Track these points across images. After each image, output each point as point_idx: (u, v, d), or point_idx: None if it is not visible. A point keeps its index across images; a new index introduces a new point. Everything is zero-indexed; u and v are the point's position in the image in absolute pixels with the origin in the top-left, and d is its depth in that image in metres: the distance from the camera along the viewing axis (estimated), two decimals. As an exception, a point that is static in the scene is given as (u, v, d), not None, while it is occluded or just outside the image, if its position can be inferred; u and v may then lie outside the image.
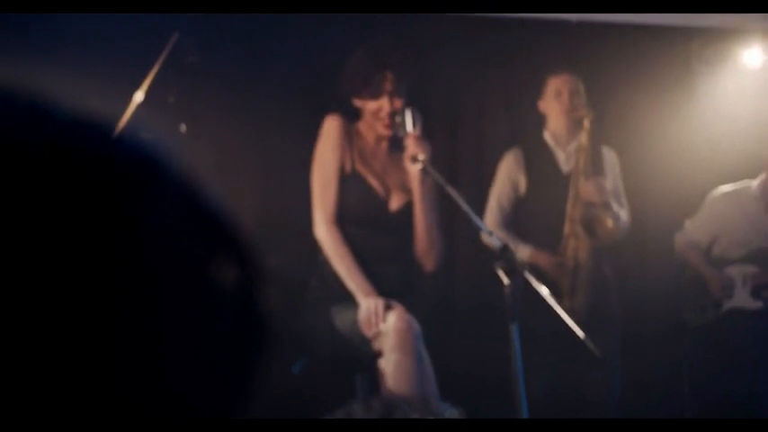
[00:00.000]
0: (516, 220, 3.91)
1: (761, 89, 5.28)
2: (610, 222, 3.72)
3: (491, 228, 3.92)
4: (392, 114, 2.95)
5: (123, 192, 0.48)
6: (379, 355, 2.73)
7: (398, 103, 2.94)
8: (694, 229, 4.47)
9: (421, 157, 2.79)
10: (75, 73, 3.63)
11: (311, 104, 3.90)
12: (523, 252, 3.67)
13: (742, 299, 4.21)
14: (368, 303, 2.75)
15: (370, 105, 2.99)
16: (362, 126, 3.07)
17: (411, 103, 2.94)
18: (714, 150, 5.08)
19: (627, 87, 5.18)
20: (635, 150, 5.10)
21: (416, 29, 4.76)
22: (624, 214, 3.96)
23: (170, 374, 0.48)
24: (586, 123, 3.83)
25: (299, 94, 4.25)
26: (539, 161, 4.01)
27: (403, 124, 2.85)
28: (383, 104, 2.95)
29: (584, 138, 3.82)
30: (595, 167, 3.86)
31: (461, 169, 4.57)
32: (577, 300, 3.69)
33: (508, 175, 4.00)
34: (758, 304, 4.18)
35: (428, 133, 2.92)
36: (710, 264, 4.35)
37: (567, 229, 3.79)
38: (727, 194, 4.45)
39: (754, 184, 4.39)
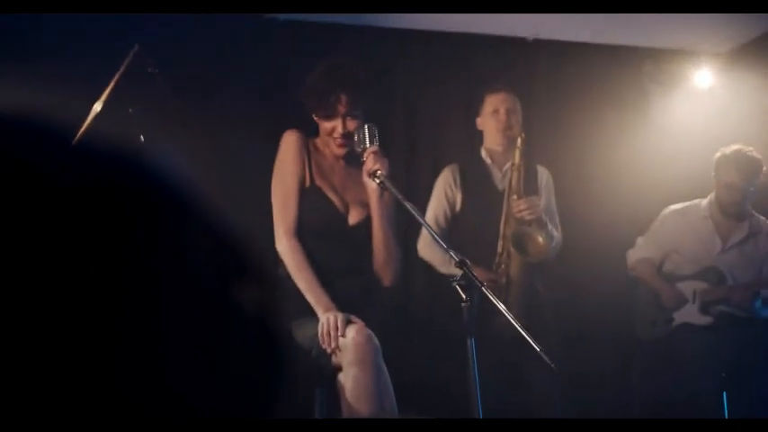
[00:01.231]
0: (452, 236, 3.93)
1: (710, 110, 5.40)
2: (541, 240, 3.76)
3: (427, 243, 3.96)
4: (345, 135, 3.00)
5: (79, 200, 0.49)
6: (338, 369, 2.74)
7: (352, 124, 2.98)
8: (646, 246, 4.55)
9: (379, 172, 2.81)
10: (33, 83, 3.60)
11: (272, 117, 3.91)
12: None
13: (691, 314, 4.29)
14: (327, 317, 2.75)
15: (324, 125, 3.03)
16: (320, 142, 3.10)
17: (369, 118, 2.97)
18: (666, 169, 5.18)
19: (581, 105, 5.27)
20: (588, 168, 5.18)
21: (378, 42, 4.81)
22: (556, 234, 4.01)
23: (159, 374, 0.49)
24: (519, 142, 3.85)
25: (261, 105, 4.27)
26: (475, 178, 4.06)
27: (361, 140, 2.87)
28: (337, 125, 2.99)
29: (517, 156, 3.85)
30: (529, 186, 3.90)
31: (418, 184, 4.61)
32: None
33: (444, 192, 4.05)
34: (707, 320, 4.26)
35: (386, 148, 2.94)
36: (662, 278, 4.42)
37: (500, 246, 3.83)
38: (677, 212, 4.53)
39: (704, 202, 4.48)
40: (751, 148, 4.28)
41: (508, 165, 3.92)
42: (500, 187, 3.98)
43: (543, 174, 4.13)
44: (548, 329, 3.88)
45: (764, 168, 4.28)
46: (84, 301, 0.48)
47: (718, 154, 4.33)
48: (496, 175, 4.05)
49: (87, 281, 0.48)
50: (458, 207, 4.03)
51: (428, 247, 3.99)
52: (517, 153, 3.84)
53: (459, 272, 2.52)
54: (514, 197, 3.80)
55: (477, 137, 4.19)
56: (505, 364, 3.61)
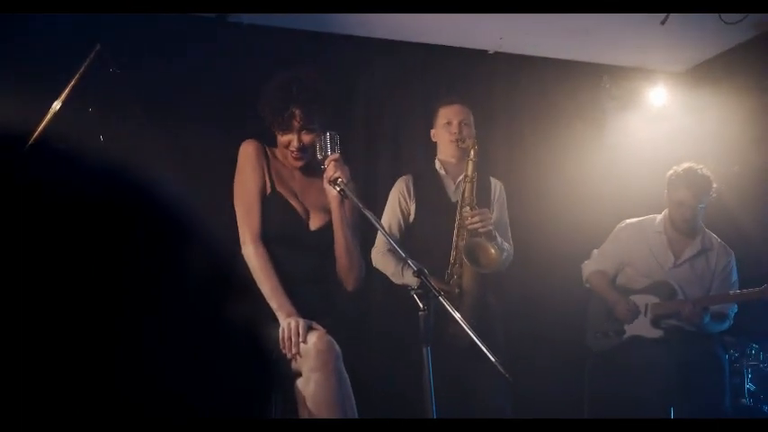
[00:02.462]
0: (405, 246, 3.94)
1: (665, 127, 5.50)
2: (492, 251, 3.78)
3: (380, 252, 3.98)
4: (301, 149, 3.02)
5: (35, 198, 0.49)
6: (297, 374, 2.74)
7: (308, 138, 3.00)
8: (601, 259, 4.61)
9: (340, 180, 2.82)
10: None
11: (234, 119, 3.90)
12: (410, 278, 3.62)
13: (643, 327, 4.36)
14: (288, 322, 2.75)
15: (281, 138, 3.05)
16: (278, 151, 3.11)
17: (329, 127, 2.97)
18: (621, 183, 5.26)
19: (538, 119, 5.34)
20: (545, 181, 5.25)
21: (340, 49, 4.82)
22: (508, 246, 4.05)
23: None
24: (472, 154, 3.87)
25: (223, 108, 4.25)
26: (428, 189, 4.08)
27: (323, 147, 2.88)
28: (292, 139, 3.02)
29: (470, 168, 3.86)
30: (482, 198, 3.92)
31: (377, 193, 4.63)
32: (460, 326, 3.74)
33: (398, 201, 4.06)
34: (658, 333, 4.32)
35: (346, 157, 2.95)
36: (616, 291, 4.48)
37: (452, 256, 3.84)
38: (632, 226, 4.59)
39: (659, 218, 4.55)
40: (702, 166, 4.35)
41: (462, 176, 3.94)
42: (453, 199, 3.99)
43: (497, 186, 4.15)
44: (498, 340, 3.89)
45: (714, 186, 4.34)
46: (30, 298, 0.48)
47: (670, 172, 4.40)
48: (450, 186, 4.07)
49: (41, 278, 0.48)
50: (411, 217, 4.04)
51: (380, 256, 4.00)
52: (470, 165, 3.85)
53: (414, 281, 2.53)
54: (467, 209, 3.81)
55: (433, 148, 4.21)
56: (460, 372, 3.63)
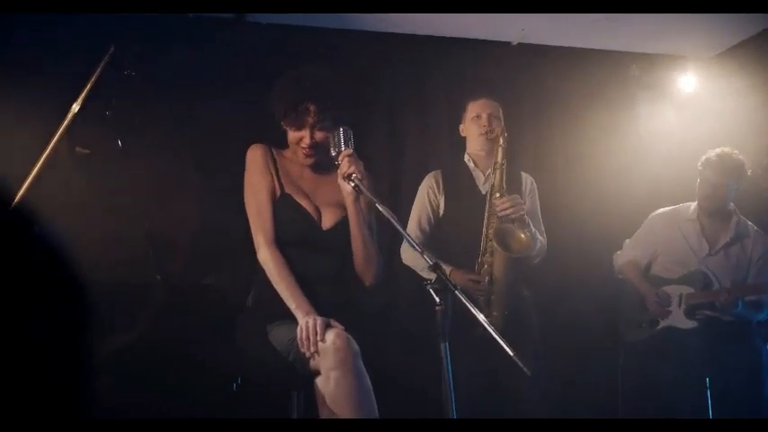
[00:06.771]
0: (435, 240, 3.93)
1: (696, 113, 5.40)
2: (523, 236, 3.76)
3: (408, 249, 3.99)
4: (312, 146, 2.99)
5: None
6: (316, 373, 2.72)
7: (320, 135, 2.98)
8: (633, 249, 4.55)
9: (354, 175, 2.80)
10: (9, 84, 3.58)
11: (252, 121, 3.89)
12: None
13: (677, 318, 4.29)
14: (306, 321, 2.73)
15: (292, 134, 3.03)
16: (288, 151, 3.10)
17: (350, 124, 2.94)
18: (653, 172, 5.19)
19: (567, 110, 5.27)
20: (575, 172, 5.18)
21: (361, 46, 4.80)
22: (541, 238, 4.02)
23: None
24: (502, 141, 3.86)
25: (241, 109, 4.24)
26: (458, 183, 4.07)
27: (336, 143, 2.86)
28: (304, 136, 2.99)
29: (499, 155, 3.85)
30: (513, 191, 3.89)
31: (402, 189, 4.61)
32: (491, 314, 3.73)
33: (427, 196, 4.07)
34: (692, 324, 4.25)
35: (369, 154, 2.92)
36: (648, 282, 4.41)
37: (482, 245, 3.83)
38: (665, 215, 4.54)
39: (692, 206, 4.48)
40: (736, 151, 4.29)
41: (491, 168, 3.92)
42: (483, 191, 3.98)
43: (527, 180, 4.14)
44: (534, 333, 3.88)
45: (749, 172, 4.29)
46: None
47: (703, 157, 4.34)
48: (479, 178, 4.07)
49: None
50: (441, 211, 4.04)
51: (409, 252, 4.01)
52: (500, 151, 3.85)
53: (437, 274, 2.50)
54: (497, 195, 3.80)
55: (461, 144, 4.20)
56: (485, 367, 3.59)
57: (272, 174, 3.04)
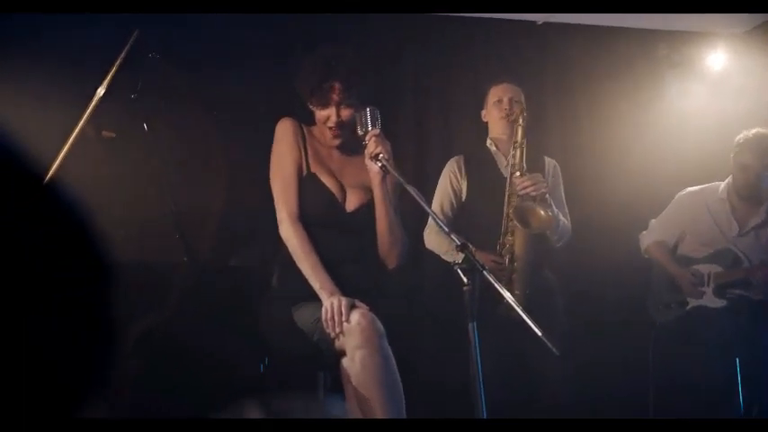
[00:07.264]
0: (457, 225, 3.91)
1: (727, 91, 5.31)
2: (542, 212, 3.75)
3: (432, 233, 4.00)
4: (339, 125, 2.97)
5: None
6: (341, 353, 2.72)
7: (347, 113, 2.96)
8: (660, 229, 4.50)
9: (381, 155, 2.78)
10: (37, 70, 3.60)
11: (275, 102, 3.89)
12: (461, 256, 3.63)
13: (706, 298, 4.24)
14: (331, 302, 2.73)
15: (319, 113, 3.01)
16: (316, 129, 3.08)
17: (374, 104, 2.92)
18: (681, 151, 5.12)
19: (593, 89, 5.21)
20: (602, 151, 5.13)
21: (385, 27, 4.77)
22: (565, 221, 4.00)
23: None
24: (521, 120, 3.86)
25: (263, 90, 4.24)
26: (480, 166, 4.07)
27: (364, 123, 2.84)
28: (330, 114, 2.97)
29: (519, 134, 3.86)
30: (535, 168, 3.89)
31: (426, 171, 4.59)
32: (513, 293, 3.71)
33: (450, 180, 4.07)
34: (721, 303, 4.21)
35: (394, 135, 2.90)
36: (676, 262, 4.37)
37: (503, 226, 3.83)
38: (694, 194, 4.48)
39: (722, 185, 4.42)
40: None
41: (512, 150, 3.91)
42: (505, 174, 3.96)
43: (550, 164, 4.13)
44: (559, 315, 3.86)
45: None
46: None
47: (739, 136, 4.27)
48: (501, 162, 4.07)
49: None
50: (464, 195, 4.05)
51: (433, 236, 4.02)
52: (519, 130, 3.86)
53: (462, 257, 2.48)
54: (517, 174, 3.79)
55: (483, 129, 4.20)
56: (512, 348, 3.58)
57: (300, 149, 3.02)
